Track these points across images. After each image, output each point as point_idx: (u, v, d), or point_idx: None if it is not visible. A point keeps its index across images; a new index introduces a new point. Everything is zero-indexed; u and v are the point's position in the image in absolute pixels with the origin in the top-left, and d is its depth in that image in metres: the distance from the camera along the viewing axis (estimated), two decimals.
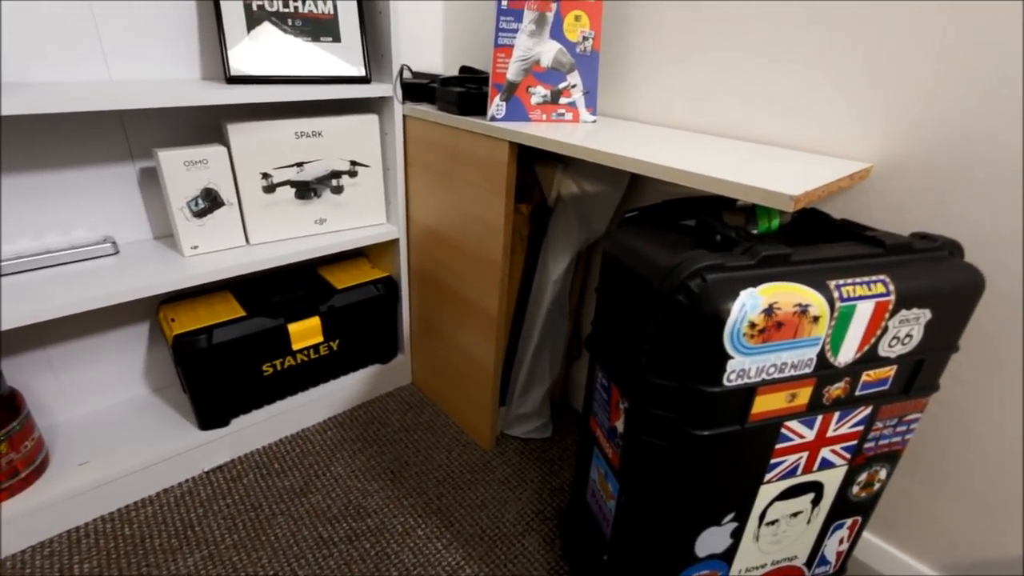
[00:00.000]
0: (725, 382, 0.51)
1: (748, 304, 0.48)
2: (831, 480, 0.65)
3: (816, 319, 0.50)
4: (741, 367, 0.51)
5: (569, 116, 0.93)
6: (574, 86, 0.92)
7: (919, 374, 0.59)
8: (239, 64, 0.93)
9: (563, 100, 0.92)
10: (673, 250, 0.57)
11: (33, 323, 0.82)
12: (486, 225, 0.97)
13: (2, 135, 0.85)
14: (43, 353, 1.00)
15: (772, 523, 0.65)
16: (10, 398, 0.88)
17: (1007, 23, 0.58)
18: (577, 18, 0.88)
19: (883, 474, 0.68)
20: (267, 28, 0.94)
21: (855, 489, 0.68)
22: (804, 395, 0.55)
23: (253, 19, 0.93)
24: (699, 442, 0.54)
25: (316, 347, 1.16)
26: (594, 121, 0.95)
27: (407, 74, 1.18)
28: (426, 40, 1.33)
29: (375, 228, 1.17)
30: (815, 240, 0.62)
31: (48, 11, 0.83)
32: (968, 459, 0.74)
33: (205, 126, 1.04)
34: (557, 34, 0.88)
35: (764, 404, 0.54)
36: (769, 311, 0.48)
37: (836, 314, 0.51)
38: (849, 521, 0.71)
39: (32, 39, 0.83)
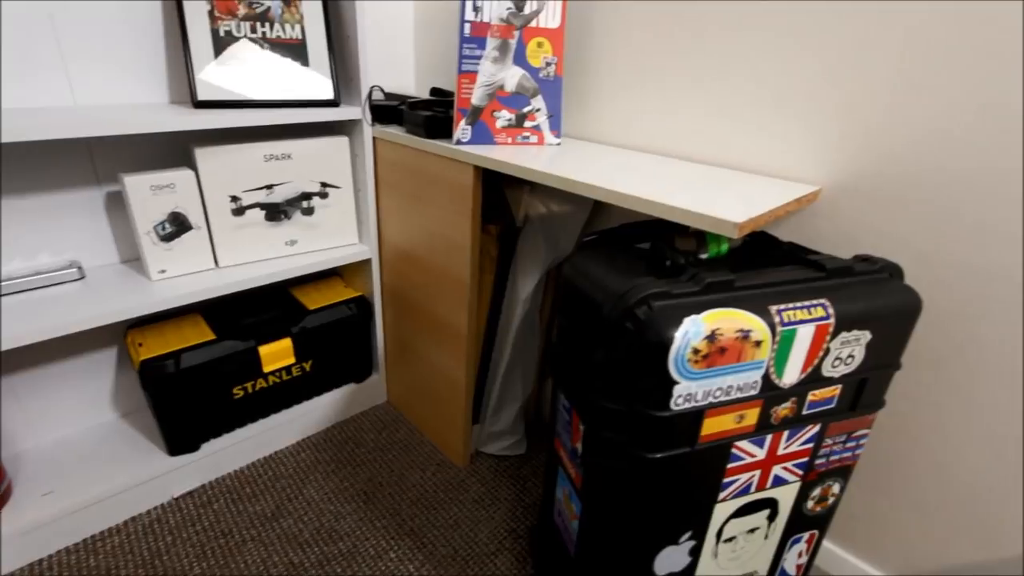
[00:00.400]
0: (673, 406, 0.52)
1: (691, 331, 0.50)
2: (785, 496, 0.66)
3: (758, 343, 0.52)
4: (688, 391, 0.52)
5: (534, 139, 0.95)
6: (538, 110, 0.94)
7: (863, 392, 0.61)
8: (207, 89, 0.93)
9: (528, 123, 0.94)
10: (625, 275, 0.58)
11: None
12: (454, 245, 0.98)
13: None
14: (6, 380, 0.99)
15: (729, 540, 0.67)
16: None
17: (951, 61, 0.62)
18: (539, 45, 0.91)
19: (836, 488, 0.70)
20: (235, 52, 0.95)
21: (810, 504, 0.69)
22: (752, 416, 0.57)
23: (221, 44, 0.94)
24: (651, 464, 0.56)
25: (288, 368, 1.16)
26: (559, 143, 0.97)
27: (379, 95, 1.20)
28: (399, 62, 1.35)
29: (347, 248, 1.17)
30: (763, 262, 0.64)
31: (8, 34, 0.83)
32: (918, 469, 0.76)
33: (173, 149, 1.04)
34: (520, 60, 0.90)
35: (713, 426, 0.56)
36: (712, 337, 0.50)
37: (778, 338, 0.53)
38: (806, 535, 0.73)
39: None
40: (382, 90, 1.27)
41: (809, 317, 0.54)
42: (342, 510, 1.07)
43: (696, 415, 0.54)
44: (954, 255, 0.66)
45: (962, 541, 0.75)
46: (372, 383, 1.34)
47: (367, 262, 1.22)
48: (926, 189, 0.66)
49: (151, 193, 0.92)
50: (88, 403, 1.10)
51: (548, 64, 0.92)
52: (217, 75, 0.94)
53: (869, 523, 0.83)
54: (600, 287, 0.58)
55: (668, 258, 0.60)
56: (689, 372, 0.51)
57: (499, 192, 1.06)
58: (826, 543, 0.88)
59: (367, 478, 1.15)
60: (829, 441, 0.64)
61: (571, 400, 0.64)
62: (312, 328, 1.15)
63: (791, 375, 0.56)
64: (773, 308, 0.53)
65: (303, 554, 0.97)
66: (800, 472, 0.65)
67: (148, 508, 1.04)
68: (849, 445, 0.66)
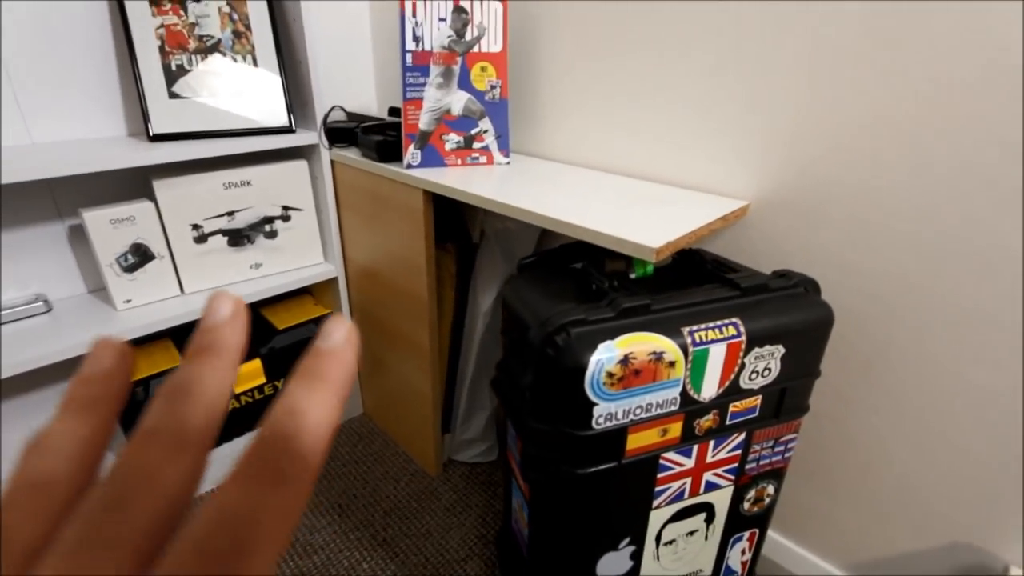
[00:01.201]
0: (595, 425, 0.56)
1: (604, 357, 0.53)
2: (720, 499, 0.70)
3: (672, 364, 0.56)
4: (608, 411, 0.55)
5: (483, 159, 0.98)
6: (486, 131, 0.97)
7: (784, 400, 0.65)
8: (161, 122, 0.95)
9: (477, 144, 0.97)
10: (554, 299, 0.62)
11: None
12: (411, 264, 1.01)
13: None
14: None
15: (670, 543, 0.70)
16: None
17: (855, 83, 0.65)
18: (483, 69, 0.93)
19: (771, 489, 0.73)
20: (187, 84, 0.97)
21: (746, 505, 0.73)
22: (675, 429, 0.61)
23: (172, 77, 0.96)
24: (581, 479, 0.59)
25: (260, 388, 1.18)
26: (508, 163, 1.00)
27: (341, 115, 1.22)
28: (360, 80, 1.37)
29: (313, 268, 1.20)
30: (688, 281, 0.68)
31: None
32: (853, 467, 0.80)
33: (134, 181, 1.06)
34: (465, 84, 0.93)
35: (638, 441, 0.59)
36: (625, 361, 0.53)
37: (691, 358, 0.56)
38: (747, 533, 0.76)
39: None
40: (344, 110, 1.29)
41: (721, 336, 0.57)
42: (316, 524, 1.10)
43: (619, 432, 0.57)
44: (869, 264, 0.69)
45: (894, 533, 0.79)
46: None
47: (334, 280, 1.24)
48: (840, 202, 0.70)
49: (111, 226, 0.94)
50: None
51: (493, 87, 0.95)
52: (171, 108, 0.96)
53: (815, 519, 0.87)
54: (531, 311, 0.61)
55: (594, 282, 0.63)
56: (606, 394, 0.54)
57: (456, 211, 1.09)
58: (779, 538, 0.92)
59: (341, 490, 1.18)
60: (757, 447, 0.68)
61: (509, 418, 0.68)
62: (281, 348, 1.18)
63: (709, 390, 0.59)
64: (686, 330, 0.56)
65: (277, 570, 1.01)
66: (732, 477, 0.69)
67: None
68: (778, 449, 0.70)
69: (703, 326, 0.57)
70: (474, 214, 1.07)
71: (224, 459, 1.16)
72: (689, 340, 0.56)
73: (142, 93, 0.93)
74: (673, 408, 0.59)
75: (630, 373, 0.54)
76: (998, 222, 0.59)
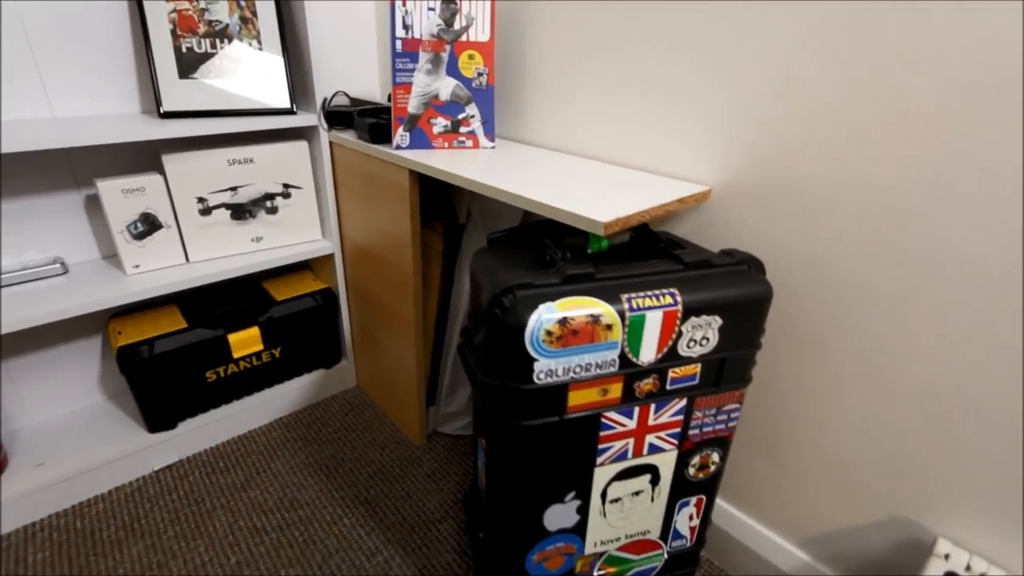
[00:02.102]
0: (536, 380, 0.61)
1: (544, 316, 0.58)
2: (664, 462, 0.75)
3: (609, 327, 0.61)
4: (548, 368, 0.61)
5: (469, 143, 1.04)
6: (472, 116, 1.02)
7: (724, 370, 0.69)
8: (171, 101, 1.03)
9: (463, 129, 1.03)
10: (514, 268, 0.67)
11: None
12: (398, 241, 1.07)
13: None
14: (3, 365, 1.10)
15: (616, 501, 0.76)
16: None
17: (815, 79, 0.69)
18: (471, 57, 0.99)
19: (716, 457, 0.78)
20: (196, 65, 1.04)
21: (691, 471, 0.78)
22: (616, 390, 0.66)
23: (183, 58, 1.03)
24: (526, 431, 0.65)
25: (258, 355, 1.26)
26: (493, 147, 1.05)
27: (344, 100, 1.29)
28: (363, 68, 1.44)
29: (311, 244, 1.27)
30: (642, 256, 0.73)
31: None
32: (799, 443, 0.84)
33: (145, 155, 1.14)
34: (453, 71, 0.99)
35: (579, 398, 0.64)
36: (564, 321, 0.59)
37: (627, 322, 0.61)
38: (694, 499, 0.81)
39: None
40: (347, 95, 1.36)
41: (657, 304, 0.62)
42: (305, 482, 1.17)
43: (560, 388, 0.63)
44: (817, 251, 0.73)
45: (837, 508, 0.83)
46: (341, 369, 1.44)
47: (331, 256, 1.31)
48: (792, 191, 0.74)
49: (123, 196, 1.02)
50: (77, 386, 1.21)
51: (480, 74, 1.00)
52: (181, 87, 1.03)
53: (768, 492, 0.92)
54: (490, 279, 0.67)
55: (548, 253, 0.69)
56: (546, 351, 0.60)
57: (444, 192, 1.15)
58: (733, 511, 0.97)
59: (330, 455, 1.25)
60: (699, 414, 0.72)
61: (468, 376, 0.73)
62: (279, 317, 1.25)
63: (647, 354, 0.64)
64: (624, 296, 0.61)
65: (266, 519, 1.08)
66: (675, 441, 0.74)
67: (130, 479, 1.15)
68: (720, 418, 0.74)
69: (641, 294, 0.62)
70: (461, 195, 1.13)
71: (224, 420, 1.24)
72: (627, 306, 0.61)
73: (154, 73, 1.01)
74: (612, 369, 0.64)
75: (568, 333, 0.59)
76: (941, 222, 0.63)
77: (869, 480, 0.78)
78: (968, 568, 0.65)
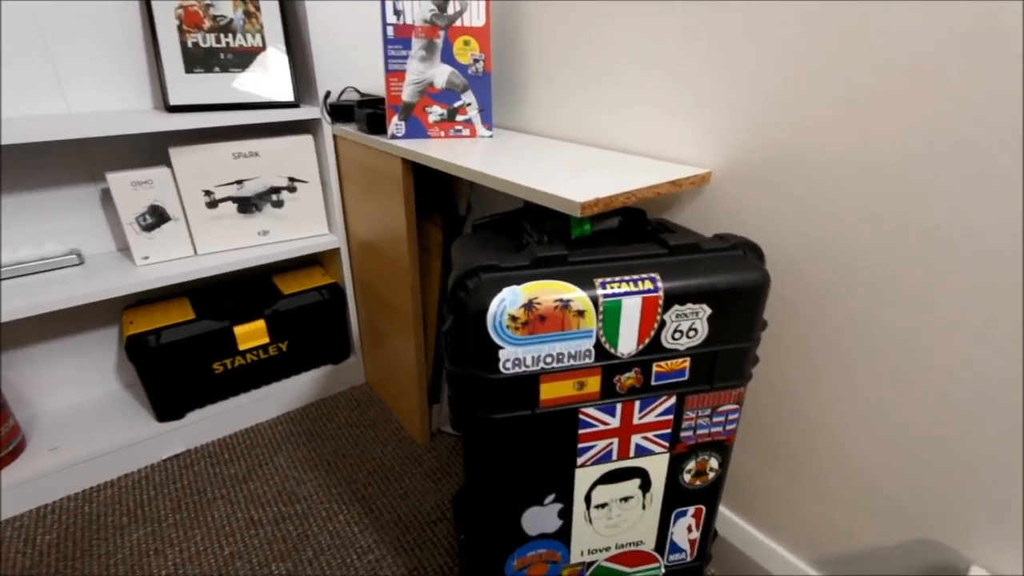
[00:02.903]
0: (502, 369, 0.57)
1: (508, 299, 0.54)
2: (655, 467, 0.69)
3: (581, 313, 0.56)
4: (515, 356, 0.57)
5: (466, 132, 1.01)
6: (469, 104, 0.99)
7: (717, 366, 0.63)
8: (177, 94, 1.05)
9: (460, 117, 1.00)
10: (489, 252, 0.63)
11: (11, 321, 0.95)
12: (395, 233, 1.05)
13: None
14: (24, 352, 1.15)
15: (602, 506, 0.70)
16: None
17: (820, 62, 0.63)
18: (466, 43, 0.96)
19: (714, 463, 0.71)
20: (203, 60, 1.06)
21: (687, 477, 0.71)
22: (594, 384, 0.61)
23: (189, 53, 1.05)
24: (496, 424, 0.61)
25: (264, 348, 1.27)
26: (491, 135, 1.02)
27: (354, 95, 1.29)
28: (375, 63, 1.44)
29: (317, 238, 1.27)
30: (629, 240, 0.67)
31: (6, 52, 0.98)
32: (815, 454, 0.76)
33: (156, 150, 1.17)
34: (448, 58, 0.96)
35: (552, 391, 0.60)
36: (529, 305, 0.54)
37: (601, 309, 0.56)
38: (692, 509, 0.75)
39: None
40: (357, 91, 1.36)
41: (635, 289, 0.57)
42: (304, 477, 1.17)
43: (530, 379, 0.58)
44: (823, 234, 0.66)
45: (859, 527, 0.74)
46: (350, 365, 1.43)
47: (337, 251, 1.31)
48: (801, 174, 0.67)
49: (132, 188, 1.05)
50: (95, 375, 1.25)
51: (476, 61, 0.97)
52: (187, 82, 1.06)
53: (784, 508, 0.83)
54: (463, 261, 0.63)
55: (526, 237, 0.64)
56: (511, 338, 0.55)
57: (443, 183, 1.12)
58: (745, 525, 0.89)
59: (332, 450, 1.24)
60: (691, 414, 0.66)
61: (443, 366, 0.70)
62: (285, 311, 1.26)
63: (627, 345, 0.59)
64: (598, 280, 0.56)
65: (263, 512, 1.08)
66: (665, 444, 0.68)
67: (139, 467, 1.18)
68: (717, 420, 0.68)
69: (617, 278, 0.57)
70: (460, 186, 1.10)
71: (232, 412, 1.25)
72: (600, 291, 0.56)
73: (161, 67, 1.03)
74: (588, 361, 0.59)
75: (535, 318, 0.55)
76: (961, 198, 0.55)
77: (894, 496, 0.70)
78: None
